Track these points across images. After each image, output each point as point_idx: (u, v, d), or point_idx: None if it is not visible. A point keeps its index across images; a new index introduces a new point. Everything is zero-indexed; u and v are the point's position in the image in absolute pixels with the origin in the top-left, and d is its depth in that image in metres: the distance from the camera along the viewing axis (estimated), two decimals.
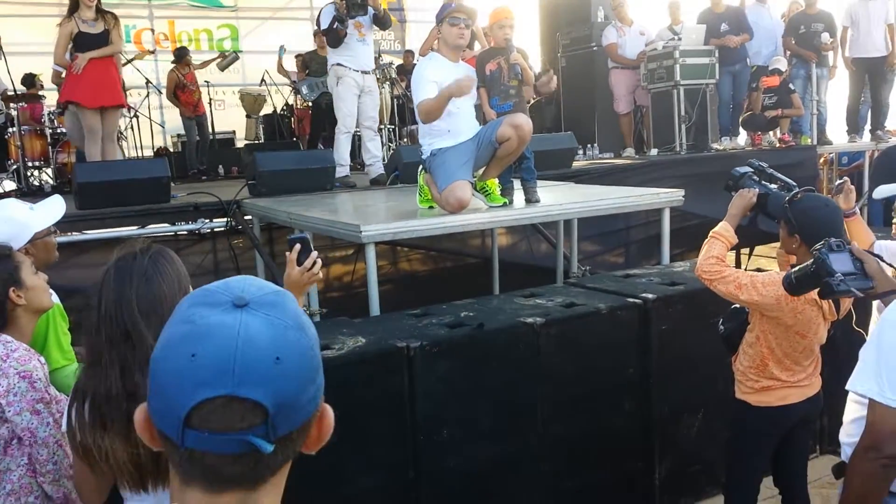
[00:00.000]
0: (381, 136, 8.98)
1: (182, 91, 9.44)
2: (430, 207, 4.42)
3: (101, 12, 6.25)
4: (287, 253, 2.06)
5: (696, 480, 3.72)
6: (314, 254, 2.06)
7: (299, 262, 2.03)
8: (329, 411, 0.92)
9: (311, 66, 9.26)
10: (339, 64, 6.36)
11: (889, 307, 1.91)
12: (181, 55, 9.72)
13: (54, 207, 2.64)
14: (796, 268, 2.43)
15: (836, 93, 9.49)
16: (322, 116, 9.08)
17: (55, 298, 2.44)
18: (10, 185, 7.60)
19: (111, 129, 6.46)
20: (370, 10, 6.30)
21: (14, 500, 1.99)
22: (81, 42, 6.13)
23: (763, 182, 3.05)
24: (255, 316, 0.83)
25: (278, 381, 0.81)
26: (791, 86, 8.74)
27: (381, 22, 6.47)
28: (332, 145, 7.84)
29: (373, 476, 2.94)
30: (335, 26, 6.13)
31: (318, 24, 6.70)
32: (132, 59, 8.90)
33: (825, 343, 2.84)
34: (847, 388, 1.87)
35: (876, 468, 1.80)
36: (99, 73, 6.16)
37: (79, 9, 6.15)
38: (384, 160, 6.97)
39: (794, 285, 2.43)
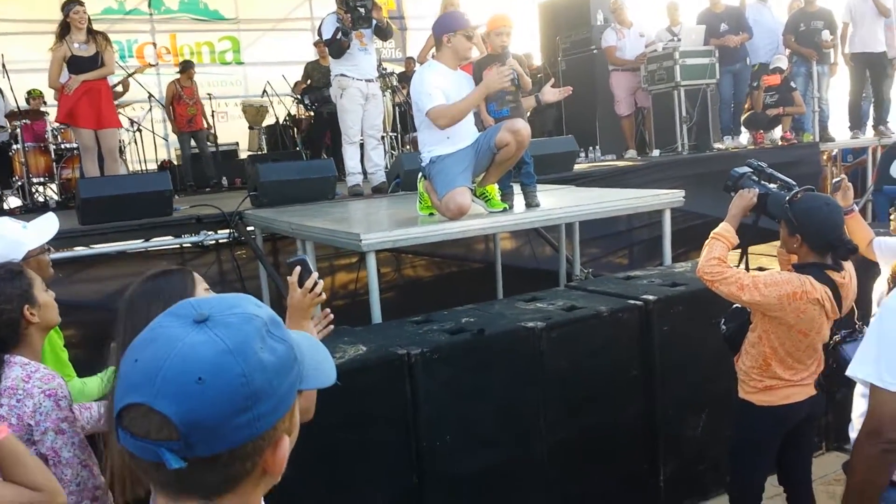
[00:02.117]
0: (384, 144, 9.01)
1: (178, 103, 9.46)
2: (431, 214, 4.43)
3: (91, 33, 6.33)
4: (287, 277, 2.04)
5: (702, 481, 3.71)
6: (315, 274, 2.03)
7: (300, 284, 2.01)
8: (284, 443, 0.90)
9: (314, 76, 9.28)
10: (342, 74, 6.34)
11: (891, 294, 1.91)
12: (184, 68, 9.79)
13: (47, 225, 2.64)
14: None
15: (838, 89, 9.47)
16: (324, 126, 9.10)
17: None
18: (14, 202, 7.64)
19: (110, 147, 6.53)
20: (373, 21, 6.30)
21: None
22: (74, 65, 6.22)
23: (762, 182, 3.05)
24: (204, 334, 0.84)
25: (195, 401, 0.81)
26: (792, 84, 8.72)
27: (382, 33, 6.47)
28: (334, 154, 7.89)
29: (376, 484, 2.94)
30: (338, 38, 6.12)
31: (319, 34, 6.70)
32: (133, 73, 8.93)
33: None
34: (847, 374, 1.87)
35: (877, 453, 1.78)
36: (92, 94, 6.26)
37: (70, 31, 6.21)
38: (386, 168, 6.98)
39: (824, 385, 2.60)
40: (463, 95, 4.13)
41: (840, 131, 9.36)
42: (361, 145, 6.67)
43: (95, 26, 6.58)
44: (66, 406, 2.01)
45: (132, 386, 0.84)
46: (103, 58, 6.29)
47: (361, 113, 6.40)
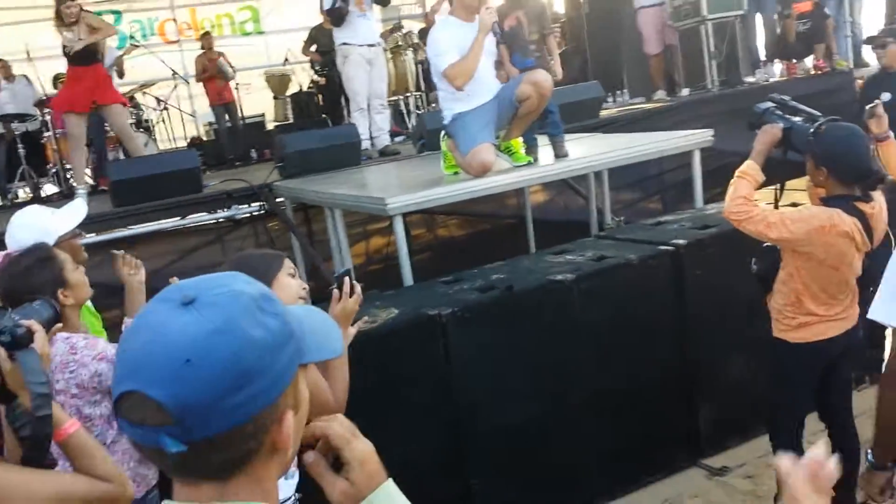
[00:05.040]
0: (409, 104, 8.98)
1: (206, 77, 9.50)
2: (455, 173, 4.41)
3: (80, 24, 6.11)
4: (334, 290, 2.04)
5: (741, 422, 3.68)
6: (358, 285, 2.06)
7: (351, 293, 2.04)
8: (288, 419, 0.88)
9: (320, 40, 9.19)
10: (344, 43, 6.46)
11: None
12: (203, 41, 9.79)
13: (75, 210, 2.70)
14: None
15: (872, 12, 9.12)
16: (339, 90, 9.06)
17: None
18: (51, 189, 7.78)
19: (120, 125, 6.47)
20: None
21: (124, 462, 2.13)
22: (68, 56, 6.14)
23: (786, 116, 2.98)
24: (190, 315, 0.83)
25: (185, 384, 0.80)
26: (826, 10, 8.42)
27: None
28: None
29: (415, 445, 2.98)
30: (337, 4, 6.26)
31: (321, 3, 6.80)
32: (123, 54, 8.77)
33: (862, 274, 2.78)
34: (868, 316, 1.85)
35: None
36: (85, 80, 6.12)
37: (61, 18, 6.11)
38: (412, 128, 6.99)
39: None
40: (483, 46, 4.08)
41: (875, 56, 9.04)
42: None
43: (115, 7, 6.50)
44: None
45: (126, 374, 0.84)
46: (93, 47, 6.12)
47: (367, 78, 6.49)
